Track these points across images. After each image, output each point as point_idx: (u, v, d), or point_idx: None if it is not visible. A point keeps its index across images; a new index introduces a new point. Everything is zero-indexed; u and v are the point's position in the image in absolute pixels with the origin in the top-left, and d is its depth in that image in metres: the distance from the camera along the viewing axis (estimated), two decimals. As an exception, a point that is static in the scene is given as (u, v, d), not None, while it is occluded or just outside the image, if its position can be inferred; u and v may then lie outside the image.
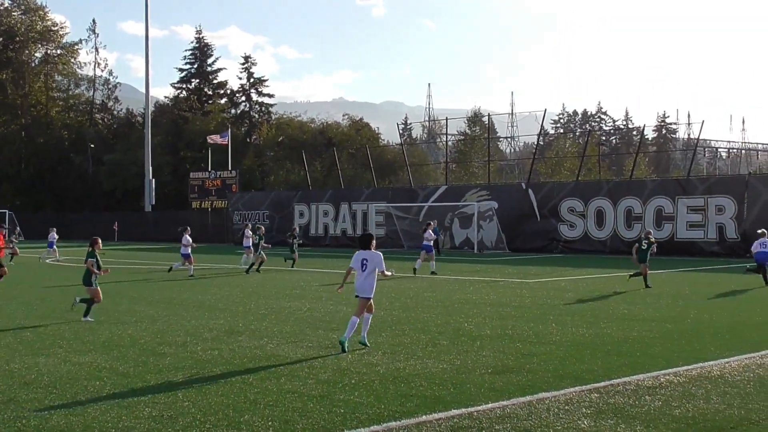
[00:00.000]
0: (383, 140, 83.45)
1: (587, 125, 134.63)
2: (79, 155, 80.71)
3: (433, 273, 24.85)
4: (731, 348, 10.95)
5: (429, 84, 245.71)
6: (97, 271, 14.48)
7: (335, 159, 55.34)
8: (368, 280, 11.17)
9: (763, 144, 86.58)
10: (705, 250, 35.01)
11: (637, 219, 37.22)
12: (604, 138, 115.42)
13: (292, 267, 28.71)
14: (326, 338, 12.10)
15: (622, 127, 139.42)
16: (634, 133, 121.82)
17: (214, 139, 61.39)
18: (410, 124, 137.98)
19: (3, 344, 11.67)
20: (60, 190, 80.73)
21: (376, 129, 79.69)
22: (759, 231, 21.83)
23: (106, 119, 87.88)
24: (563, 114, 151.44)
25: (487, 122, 65.73)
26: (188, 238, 26.33)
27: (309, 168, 57.40)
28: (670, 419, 7.23)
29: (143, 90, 69.02)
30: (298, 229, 36.57)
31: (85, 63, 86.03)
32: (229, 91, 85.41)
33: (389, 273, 11.48)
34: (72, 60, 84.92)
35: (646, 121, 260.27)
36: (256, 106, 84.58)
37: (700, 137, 50.82)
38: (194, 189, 62.02)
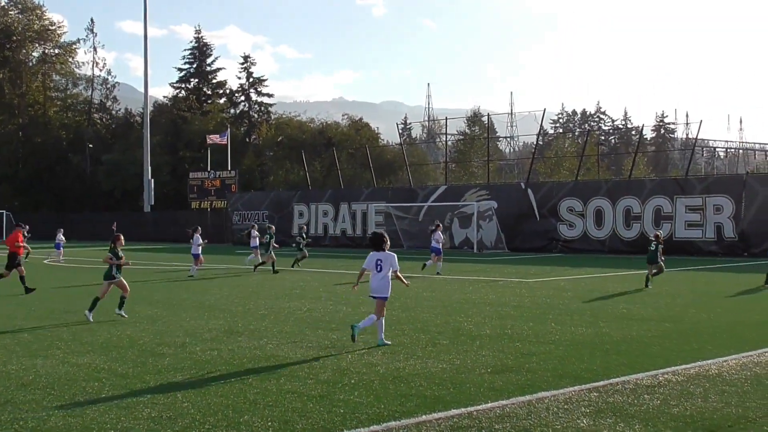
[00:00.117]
0: (383, 140, 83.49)
1: (586, 125, 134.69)
2: (78, 155, 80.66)
3: (438, 273, 24.93)
4: (729, 347, 10.97)
5: (428, 84, 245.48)
6: (116, 261, 14.70)
7: (335, 159, 55.36)
8: (384, 281, 11.31)
9: (760, 144, 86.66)
10: (703, 250, 35.05)
11: (636, 219, 37.25)
12: (603, 138, 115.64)
13: (295, 266, 28.65)
14: (326, 338, 12.10)
15: (620, 126, 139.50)
16: (633, 132, 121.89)
17: (214, 139, 61.38)
18: (410, 123, 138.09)
19: (1, 345, 11.67)
20: (58, 191, 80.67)
21: (376, 129, 79.75)
22: None
23: (104, 119, 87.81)
24: (562, 114, 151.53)
25: (486, 122, 65.84)
26: (199, 237, 26.44)
27: (308, 168, 57.40)
28: (668, 418, 7.25)
29: (142, 89, 68.97)
30: (306, 227, 36.73)
31: (83, 62, 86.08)
32: (228, 91, 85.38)
33: (407, 282, 11.55)
34: (70, 59, 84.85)
35: (644, 120, 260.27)
36: (256, 106, 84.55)
37: (699, 137, 50.84)
38: (193, 189, 62.00)
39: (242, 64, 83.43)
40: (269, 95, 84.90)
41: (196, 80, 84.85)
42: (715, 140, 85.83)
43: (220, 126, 71.32)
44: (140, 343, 11.81)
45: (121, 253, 14.91)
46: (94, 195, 78.99)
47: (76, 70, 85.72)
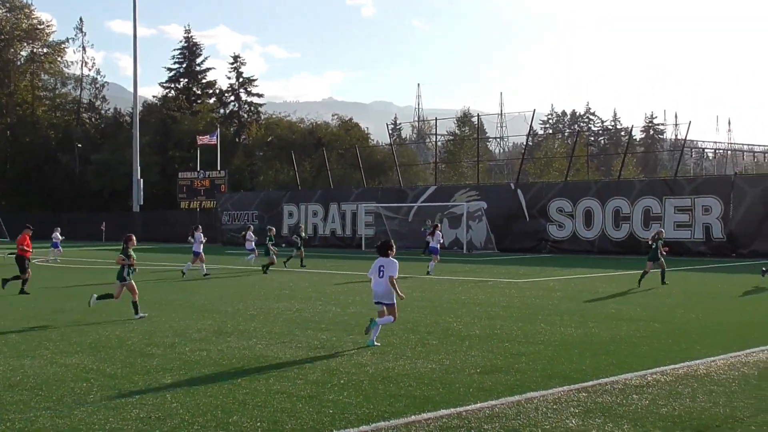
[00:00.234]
0: (373, 140, 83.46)
1: (576, 126, 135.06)
2: (66, 155, 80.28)
3: (428, 274, 25.01)
4: (717, 347, 11.02)
5: (418, 84, 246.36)
6: (127, 261, 14.76)
7: (325, 159, 55.31)
8: (387, 286, 11.32)
9: (748, 145, 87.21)
10: (692, 250, 35.20)
11: (625, 219, 37.39)
12: (592, 138, 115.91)
13: (301, 265, 28.62)
14: (315, 339, 12.09)
15: (610, 127, 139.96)
16: (622, 133, 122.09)
17: (204, 140, 61.29)
18: (400, 124, 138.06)
19: (-11, 345, 11.60)
20: (47, 190, 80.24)
21: (366, 129, 79.73)
22: None
23: (93, 119, 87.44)
24: (552, 114, 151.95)
25: (476, 122, 65.95)
26: (201, 236, 26.33)
27: (298, 168, 57.34)
28: (657, 418, 7.28)
29: (131, 89, 68.73)
30: (303, 227, 36.72)
31: (72, 62, 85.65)
32: (218, 91, 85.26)
33: (402, 295, 11.53)
34: (59, 59, 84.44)
35: (633, 121, 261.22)
36: (245, 106, 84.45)
37: (687, 138, 51.03)
38: (183, 189, 61.83)
39: (232, 64, 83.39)
40: (259, 95, 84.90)
41: (186, 80, 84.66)
42: (703, 141, 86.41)
43: (210, 126, 71.15)
44: (129, 343, 11.77)
45: (132, 254, 14.96)
46: (82, 195, 78.62)
47: (65, 69, 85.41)
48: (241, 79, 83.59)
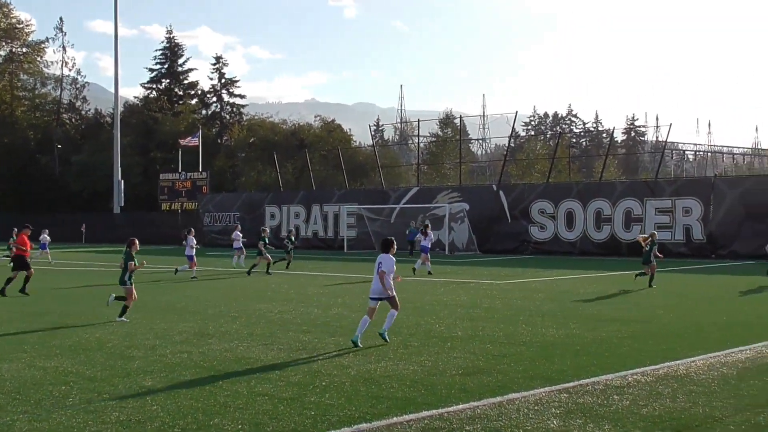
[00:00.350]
0: (355, 142, 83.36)
1: (558, 127, 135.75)
2: (46, 156, 79.57)
3: (414, 269, 25.36)
4: (697, 347, 11.10)
5: (401, 86, 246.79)
6: (136, 266, 14.82)
7: (307, 160, 55.18)
8: (384, 281, 11.59)
9: (728, 147, 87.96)
10: (672, 251, 35.40)
11: (607, 221, 37.60)
12: (574, 140, 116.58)
13: (287, 268, 28.53)
14: (297, 340, 12.06)
15: (591, 129, 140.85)
16: (604, 135, 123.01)
17: (186, 142, 61.04)
18: (382, 125, 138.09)
19: (-33, 348, 11.47)
20: (26, 191, 79.47)
21: (348, 130, 79.57)
22: None
23: (73, 119, 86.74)
24: (534, 116, 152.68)
25: (458, 124, 66.08)
26: (193, 239, 26.26)
27: (280, 169, 57.20)
28: (637, 418, 7.32)
29: (112, 90, 68.28)
30: (295, 231, 36.79)
31: (51, 62, 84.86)
32: (200, 92, 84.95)
33: (391, 293, 11.69)
34: (38, 59, 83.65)
35: (615, 123, 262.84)
36: (228, 107, 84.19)
37: (668, 140, 51.45)
38: (164, 190, 61.52)
39: (214, 64, 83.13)
40: (241, 96, 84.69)
41: (168, 81, 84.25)
42: (684, 143, 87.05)
43: (192, 127, 70.82)
44: (109, 345, 11.68)
45: (134, 258, 14.94)
46: (62, 196, 77.92)
47: (45, 69, 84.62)
48: (223, 80, 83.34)
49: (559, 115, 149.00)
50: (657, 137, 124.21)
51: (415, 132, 69.32)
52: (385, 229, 44.11)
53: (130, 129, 75.12)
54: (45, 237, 35.56)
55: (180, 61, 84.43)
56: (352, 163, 62.82)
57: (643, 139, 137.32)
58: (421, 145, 67.02)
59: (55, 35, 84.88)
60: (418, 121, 57.75)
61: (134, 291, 14.90)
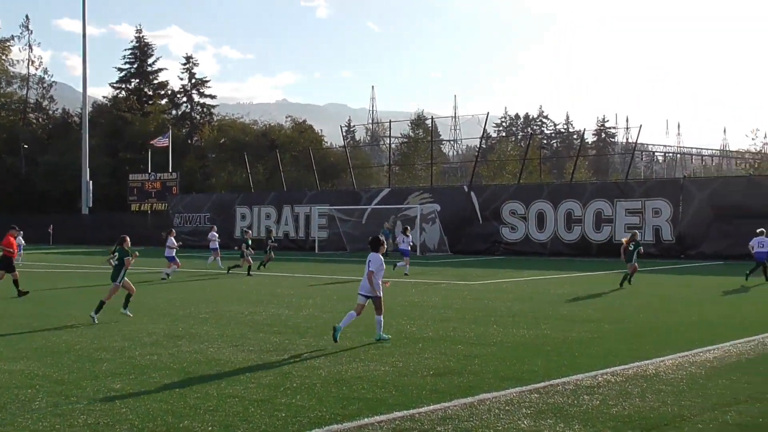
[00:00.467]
0: (327, 142, 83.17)
1: (529, 129, 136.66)
2: (12, 156, 78.35)
3: (395, 266, 25.59)
4: (666, 347, 11.22)
5: (372, 86, 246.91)
6: (131, 261, 14.95)
7: (278, 161, 54.97)
8: (373, 281, 11.82)
9: (697, 148, 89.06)
10: (642, 252, 35.77)
11: (577, 222, 37.90)
12: (545, 141, 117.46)
13: (261, 267, 28.35)
14: (268, 342, 11.99)
15: (562, 131, 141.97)
16: (575, 137, 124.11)
17: (156, 143, 60.52)
18: (354, 126, 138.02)
19: (-70, 351, 11.25)
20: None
21: (320, 131, 79.38)
22: (758, 230, 22.52)
23: (40, 119, 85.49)
24: (505, 117, 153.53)
25: (430, 125, 66.22)
26: (173, 240, 26.07)
27: (251, 170, 56.91)
28: (607, 418, 7.37)
29: (80, 89, 67.49)
30: (273, 231, 36.73)
31: (17, 60, 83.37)
32: (170, 92, 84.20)
33: (378, 293, 11.91)
34: (3, 57, 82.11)
35: (586, 125, 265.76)
36: (198, 107, 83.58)
37: (638, 141, 52.03)
38: (133, 191, 60.92)
39: (184, 64, 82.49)
40: (212, 96, 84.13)
41: (137, 80, 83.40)
42: (654, 145, 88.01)
43: (162, 127, 70.17)
44: (77, 348, 11.52)
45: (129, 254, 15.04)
46: (29, 197, 76.77)
47: (10, 68, 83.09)
48: (193, 80, 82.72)
49: (530, 117, 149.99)
50: (627, 139, 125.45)
51: (387, 133, 69.38)
52: (356, 230, 44.10)
53: (98, 129, 74.22)
54: (19, 239, 35.06)
55: (150, 60, 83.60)
56: (323, 164, 62.69)
57: (613, 140, 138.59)
58: (393, 145, 67.05)
59: (21, 33, 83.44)
60: (390, 121, 57.74)
61: (130, 283, 15.16)
